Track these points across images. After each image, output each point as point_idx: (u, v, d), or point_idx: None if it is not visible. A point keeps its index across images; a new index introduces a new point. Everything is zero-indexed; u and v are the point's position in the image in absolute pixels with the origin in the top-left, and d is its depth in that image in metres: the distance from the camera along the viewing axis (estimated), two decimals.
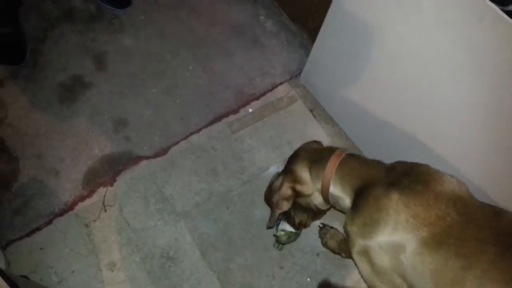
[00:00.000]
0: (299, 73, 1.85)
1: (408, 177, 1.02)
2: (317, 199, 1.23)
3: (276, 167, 1.64)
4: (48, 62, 1.74)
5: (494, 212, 0.97)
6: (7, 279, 0.96)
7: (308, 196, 1.23)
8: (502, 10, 1.02)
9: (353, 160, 1.15)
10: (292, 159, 1.27)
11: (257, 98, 1.79)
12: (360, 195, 1.06)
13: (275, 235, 1.44)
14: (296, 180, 1.21)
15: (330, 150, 1.20)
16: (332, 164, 1.14)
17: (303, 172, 1.21)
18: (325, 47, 1.63)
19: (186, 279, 1.41)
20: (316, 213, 1.31)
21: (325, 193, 1.16)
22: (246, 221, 1.53)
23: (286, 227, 1.39)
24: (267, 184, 1.57)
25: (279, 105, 1.79)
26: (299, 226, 1.37)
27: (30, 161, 1.54)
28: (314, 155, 1.22)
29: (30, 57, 1.73)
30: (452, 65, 1.18)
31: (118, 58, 1.79)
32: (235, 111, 1.75)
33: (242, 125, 1.72)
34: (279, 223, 1.41)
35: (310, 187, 1.20)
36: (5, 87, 1.67)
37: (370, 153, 1.68)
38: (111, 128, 1.64)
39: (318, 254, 1.49)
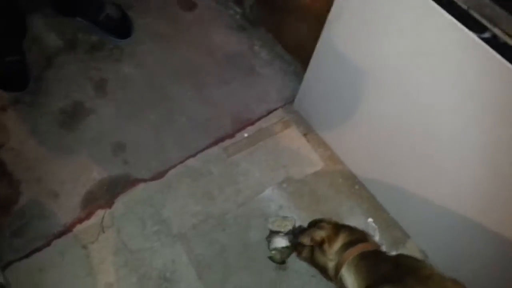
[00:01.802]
0: (293, 100, 1.92)
1: (407, 276, 1.07)
2: (330, 267, 1.25)
3: (271, 190, 1.68)
4: (50, 89, 1.80)
5: None
6: None
7: (327, 258, 1.26)
8: (479, 37, 1.09)
9: (369, 259, 1.18)
10: (343, 228, 1.30)
11: (252, 123, 1.85)
12: None
13: (269, 257, 1.46)
14: (331, 238, 1.26)
15: (362, 238, 1.26)
16: (352, 252, 1.19)
17: (339, 239, 1.25)
18: (316, 75, 1.70)
19: None
20: (322, 270, 1.32)
21: (336, 271, 1.20)
22: (241, 243, 1.56)
23: (276, 244, 1.41)
24: (262, 207, 1.62)
25: (273, 130, 1.85)
26: (299, 254, 1.38)
27: (30, 184, 1.58)
28: (353, 233, 1.27)
29: (33, 84, 1.79)
30: (442, 87, 1.24)
31: (118, 85, 1.86)
32: (231, 135, 1.80)
33: (237, 149, 1.77)
34: (269, 242, 1.43)
35: (332, 254, 1.24)
36: (8, 112, 1.72)
37: (362, 175, 1.74)
38: (110, 152, 1.68)
39: (313, 276, 1.51)
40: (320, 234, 1.26)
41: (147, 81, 1.89)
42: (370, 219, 1.66)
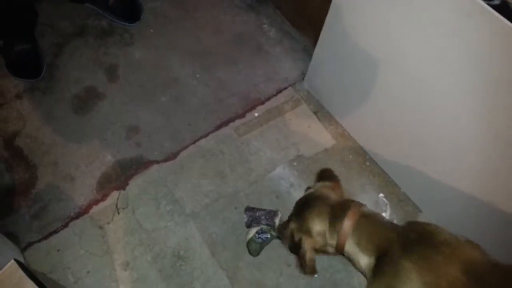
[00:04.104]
0: (303, 78, 1.91)
1: (420, 244, 1.03)
2: (330, 250, 1.19)
3: (282, 168, 1.69)
4: (63, 75, 1.83)
5: (507, 271, 0.98)
6: (27, 271, 1.03)
7: (321, 246, 1.19)
8: (488, 4, 1.06)
9: (368, 222, 1.13)
10: (308, 211, 1.20)
11: (262, 103, 1.85)
12: (377, 262, 1.07)
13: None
14: (315, 240, 1.17)
15: (346, 206, 1.16)
16: (348, 224, 1.12)
17: (321, 229, 1.16)
18: (325, 52, 1.69)
19: (197, 277, 1.45)
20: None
21: (340, 250, 1.15)
22: None
23: (250, 235, 1.45)
24: (273, 185, 1.63)
25: (283, 109, 1.85)
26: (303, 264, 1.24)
27: (47, 169, 1.62)
28: (330, 210, 1.17)
29: (46, 71, 1.83)
30: (446, 60, 1.22)
31: (129, 69, 1.88)
32: (241, 115, 1.81)
33: (248, 129, 1.78)
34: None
35: (326, 242, 1.17)
36: (23, 100, 1.76)
37: (373, 152, 1.73)
38: (123, 135, 1.71)
39: None
40: (307, 252, 1.16)
41: (157, 64, 1.90)
42: (381, 195, 1.66)
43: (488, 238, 1.41)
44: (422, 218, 1.62)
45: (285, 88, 1.90)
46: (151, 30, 2.00)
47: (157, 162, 1.67)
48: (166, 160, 1.68)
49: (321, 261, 1.51)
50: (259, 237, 1.45)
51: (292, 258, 1.51)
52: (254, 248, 1.46)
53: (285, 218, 1.52)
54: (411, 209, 1.64)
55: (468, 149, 1.32)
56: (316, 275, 1.47)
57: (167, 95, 1.83)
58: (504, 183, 1.28)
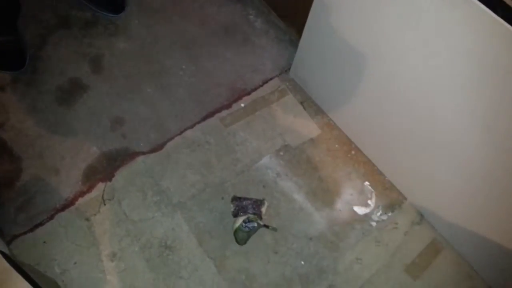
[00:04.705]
0: (289, 68, 1.91)
1: None
2: None
3: (268, 158, 1.69)
4: (46, 67, 1.81)
5: None
6: (12, 262, 1.02)
7: None
8: None
9: None
10: None
11: (249, 93, 1.85)
12: None
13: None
14: None
15: None
16: None
17: None
18: (311, 42, 1.69)
19: (184, 266, 1.46)
20: None
21: None
22: None
23: (237, 224, 1.45)
24: (260, 175, 1.63)
25: (270, 99, 1.85)
26: None
27: (32, 161, 1.61)
28: None
29: (30, 63, 1.80)
30: (431, 50, 1.23)
31: (114, 60, 1.86)
32: (228, 106, 1.81)
33: (234, 119, 1.78)
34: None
35: None
36: (7, 92, 1.74)
37: (359, 141, 1.74)
38: (108, 127, 1.70)
39: (311, 239, 1.54)
40: None
41: (142, 55, 1.89)
42: (366, 183, 1.68)
43: (474, 222, 1.43)
44: (407, 205, 1.65)
45: (271, 79, 1.91)
46: (136, 21, 1.98)
47: (143, 153, 1.66)
48: (152, 151, 1.67)
49: (306, 248, 1.53)
50: (246, 226, 1.46)
51: (280, 246, 1.52)
52: (241, 237, 1.47)
53: (272, 206, 1.54)
54: (396, 197, 1.66)
55: (453, 139, 1.34)
56: (302, 262, 1.49)
57: (152, 86, 1.82)
58: (489, 170, 1.30)
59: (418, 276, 1.53)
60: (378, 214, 1.62)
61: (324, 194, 1.64)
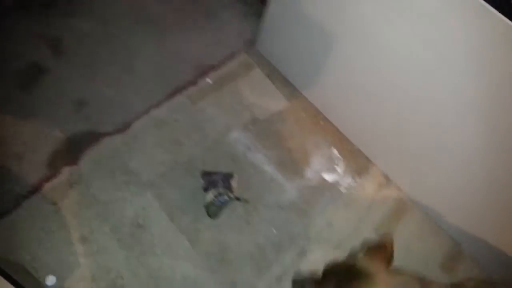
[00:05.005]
0: (255, 42, 1.90)
1: None
2: None
3: (237, 133, 1.69)
4: (4, 51, 1.75)
5: None
6: None
7: None
8: None
9: None
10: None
11: (215, 69, 1.83)
12: None
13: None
14: None
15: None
16: None
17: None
18: (276, 14, 1.67)
19: (157, 243, 1.45)
20: None
21: None
22: None
23: (208, 198, 1.46)
24: (229, 149, 1.63)
25: (237, 74, 1.84)
26: None
27: None
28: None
29: None
30: (397, 20, 1.23)
31: (74, 41, 1.81)
32: (194, 82, 1.79)
33: (201, 96, 1.76)
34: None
35: None
36: None
37: (326, 110, 1.75)
38: (71, 110, 1.66)
39: (282, 208, 1.56)
40: None
41: (104, 35, 1.84)
42: (334, 150, 1.69)
43: (439, 180, 1.46)
44: (374, 169, 1.68)
45: (238, 53, 1.89)
46: (96, 0, 1.92)
47: (109, 134, 1.63)
48: (118, 132, 1.64)
49: (278, 217, 1.54)
50: (217, 200, 1.46)
51: (252, 217, 1.53)
52: (213, 211, 1.47)
53: (242, 179, 1.54)
54: (363, 162, 1.69)
55: (415, 102, 1.36)
56: (274, 231, 1.51)
57: (115, 66, 1.78)
58: (450, 126, 1.32)
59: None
60: (347, 179, 1.65)
61: (294, 164, 1.65)
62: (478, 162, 1.32)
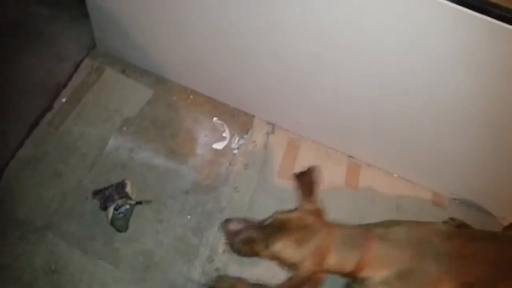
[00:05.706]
0: (94, 44, 1.81)
1: None
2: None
3: (114, 139, 1.64)
4: None
5: None
6: None
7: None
8: None
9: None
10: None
11: (65, 86, 1.73)
12: None
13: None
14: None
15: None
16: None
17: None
18: (96, 6, 1.60)
19: (79, 280, 1.40)
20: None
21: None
22: None
23: (110, 214, 1.43)
24: (113, 158, 1.58)
25: (90, 82, 1.75)
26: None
27: None
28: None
29: None
30: None
31: None
32: (49, 108, 1.68)
33: (62, 118, 1.67)
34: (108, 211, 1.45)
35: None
36: None
37: (191, 83, 1.75)
38: None
39: (187, 192, 1.57)
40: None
41: None
42: (215, 119, 1.73)
43: (317, 113, 1.55)
44: (257, 122, 1.75)
45: (82, 61, 1.79)
46: None
47: None
48: None
49: (187, 202, 1.56)
50: (119, 213, 1.43)
51: (163, 214, 1.52)
52: (120, 224, 1.44)
53: (137, 182, 1.51)
54: (245, 119, 1.76)
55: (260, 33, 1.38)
56: (189, 217, 1.53)
57: None
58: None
59: (290, 176, 1.65)
60: (236, 141, 1.70)
61: (182, 147, 1.66)
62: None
